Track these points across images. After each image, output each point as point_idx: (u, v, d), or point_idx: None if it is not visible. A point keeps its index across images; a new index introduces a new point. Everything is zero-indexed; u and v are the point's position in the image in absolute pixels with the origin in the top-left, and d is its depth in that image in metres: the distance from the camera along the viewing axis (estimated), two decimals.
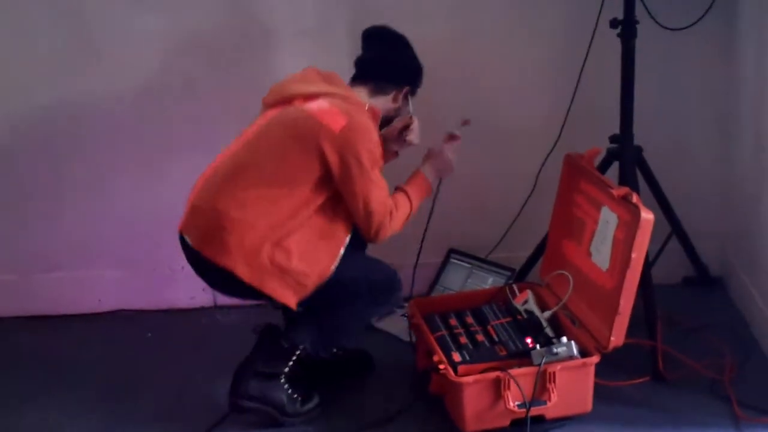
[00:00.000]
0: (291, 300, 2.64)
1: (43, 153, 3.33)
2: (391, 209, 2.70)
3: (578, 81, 3.12)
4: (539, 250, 3.19)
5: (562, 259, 3.04)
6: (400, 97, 2.80)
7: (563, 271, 2.96)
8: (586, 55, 3.08)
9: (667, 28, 3.00)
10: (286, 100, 2.70)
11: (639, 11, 2.92)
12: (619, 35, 2.92)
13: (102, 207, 3.38)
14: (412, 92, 2.84)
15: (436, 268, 3.37)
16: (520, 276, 3.25)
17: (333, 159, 2.59)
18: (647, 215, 2.63)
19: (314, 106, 2.64)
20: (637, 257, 2.64)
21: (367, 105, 2.73)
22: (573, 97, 3.14)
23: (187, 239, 2.69)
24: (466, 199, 3.33)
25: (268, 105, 2.76)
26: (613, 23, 2.92)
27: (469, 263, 3.35)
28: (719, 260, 3.37)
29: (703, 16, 3.01)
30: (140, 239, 3.41)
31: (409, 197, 2.78)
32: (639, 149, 3.02)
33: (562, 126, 3.17)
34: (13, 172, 3.36)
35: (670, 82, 3.22)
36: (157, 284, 3.46)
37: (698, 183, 3.33)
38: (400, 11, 3.11)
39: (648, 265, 2.85)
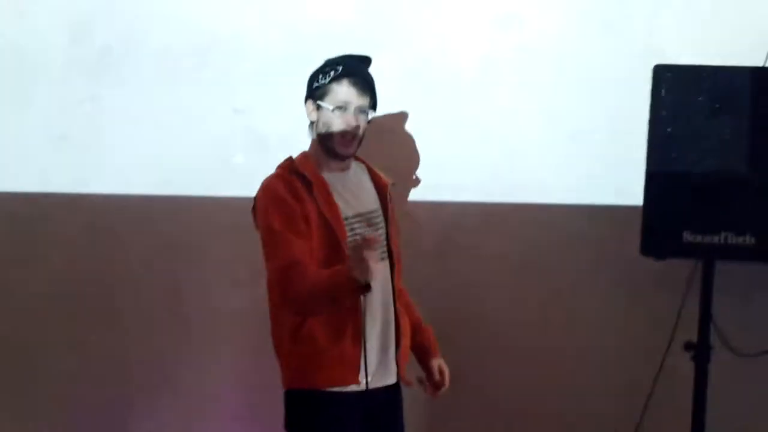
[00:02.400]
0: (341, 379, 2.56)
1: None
2: (290, 273, 2.48)
3: (648, 398, 3.09)
4: None
5: None
6: (312, 113, 2.64)
7: None
8: (658, 373, 3.07)
9: (741, 354, 3.00)
10: None
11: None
12: (692, 358, 2.92)
13: None
14: (314, 97, 2.62)
15: None
16: None
17: None
18: None
19: None
20: None
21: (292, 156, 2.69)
22: (642, 415, 3.10)
23: None
24: None
25: None
26: (688, 346, 2.93)
27: None
28: None
29: None
30: None
31: (319, 273, 2.50)
32: None
33: None
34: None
35: (742, 405, 3.16)
36: None
37: None
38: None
39: None
